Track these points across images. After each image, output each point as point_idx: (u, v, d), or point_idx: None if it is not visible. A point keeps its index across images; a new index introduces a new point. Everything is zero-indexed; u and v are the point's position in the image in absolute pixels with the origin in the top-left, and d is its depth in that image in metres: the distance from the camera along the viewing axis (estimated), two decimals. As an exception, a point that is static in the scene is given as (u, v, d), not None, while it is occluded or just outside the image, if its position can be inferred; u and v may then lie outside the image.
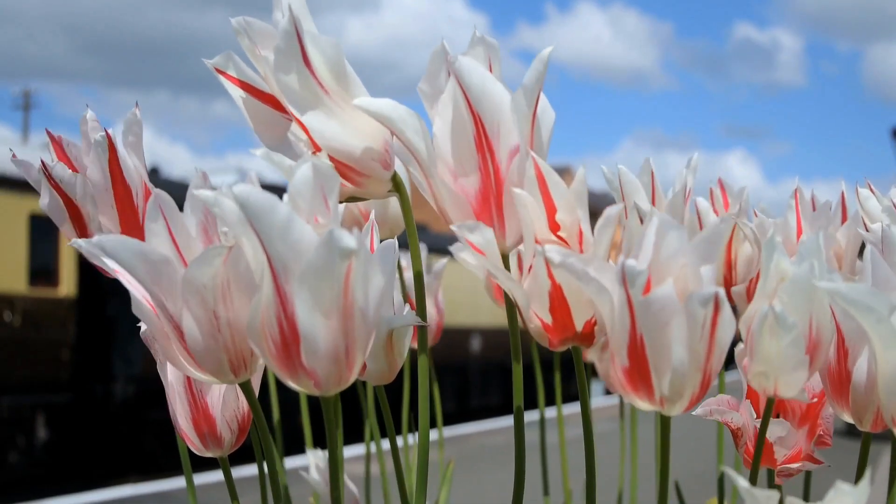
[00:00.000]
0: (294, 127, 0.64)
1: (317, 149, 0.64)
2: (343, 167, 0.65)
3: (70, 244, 0.66)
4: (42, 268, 9.28)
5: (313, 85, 0.62)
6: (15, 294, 8.95)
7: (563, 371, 1.40)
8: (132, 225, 0.80)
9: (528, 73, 0.61)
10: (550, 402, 2.14)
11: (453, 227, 0.59)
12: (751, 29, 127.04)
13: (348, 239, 0.48)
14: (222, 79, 0.67)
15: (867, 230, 0.82)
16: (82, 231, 0.80)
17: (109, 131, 0.78)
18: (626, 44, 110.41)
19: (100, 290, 9.58)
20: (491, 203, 0.62)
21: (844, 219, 0.90)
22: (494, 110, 0.60)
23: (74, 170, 0.80)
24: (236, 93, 0.67)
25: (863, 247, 0.77)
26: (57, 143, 0.81)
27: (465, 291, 10.26)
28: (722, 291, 0.49)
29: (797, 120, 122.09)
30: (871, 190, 0.86)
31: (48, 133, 0.81)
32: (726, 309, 0.49)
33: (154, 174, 12.88)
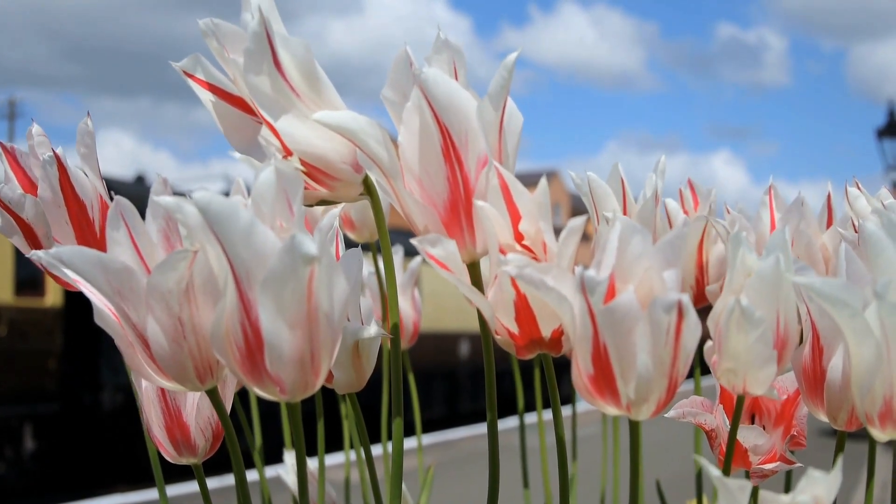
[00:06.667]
0: (264, 131, 0.63)
1: (287, 153, 0.63)
2: (315, 171, 0.64)
3: (29, 256, 0.65)
4: (28, 277, 9.23)
5: (284, 88, 0.61)
6: (1, 304, 8.89)
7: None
8: (89, 240, 0.78)
9: (494, 81, 0.60)
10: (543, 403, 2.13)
11: (414, 242, 0.58)
12: (735, 29, 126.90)
13: (310, 245, 0.47)
14: (190, 82, 0.65)
15: (856, 230, 0.81)
16: (36, 246, 0.79)
17: (59, 150, 0.77)
18: (611, 45, 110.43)
19: (86, 298, 9.49)
20: (460, 211, 0.61)
21: (830, 221, 0.88)
22: (462, 120, 0.59)
23: (31, 182, 0.79)
24: (205, 96, 0.66)
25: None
26: (10, 155, 0.79)
27: (454, 296, 10.24)
28: (686, 298, 0.48)
29: (783, 120, 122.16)
30: (860, 189, 0.86)
31: (0, 144, 0.79)
32: (691, 315, 0.48)
33: (140, 182, 12.84)
